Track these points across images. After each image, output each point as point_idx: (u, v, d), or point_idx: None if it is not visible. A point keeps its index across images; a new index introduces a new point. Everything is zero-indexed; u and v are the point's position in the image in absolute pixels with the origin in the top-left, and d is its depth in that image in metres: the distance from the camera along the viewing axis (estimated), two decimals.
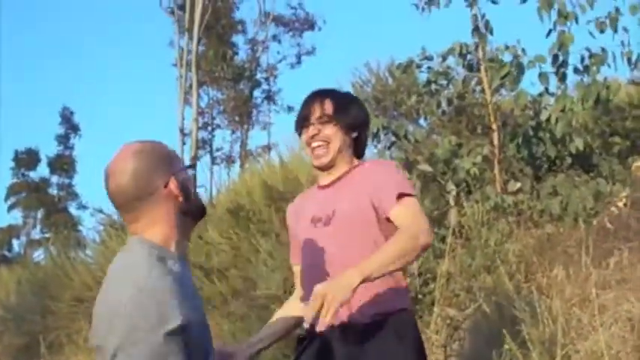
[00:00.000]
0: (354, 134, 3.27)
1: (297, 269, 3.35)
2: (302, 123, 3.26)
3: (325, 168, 3.25)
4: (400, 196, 3.05)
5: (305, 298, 3.08)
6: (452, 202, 6.57)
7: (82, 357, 8.74)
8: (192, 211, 2.40)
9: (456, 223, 6.45)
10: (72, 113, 43.49)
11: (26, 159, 43.97)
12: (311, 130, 3.21)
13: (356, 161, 3.30)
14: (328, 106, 3.22)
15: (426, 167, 6.97)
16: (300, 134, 3.30)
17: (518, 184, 6.70)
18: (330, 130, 3.20)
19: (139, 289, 2.11)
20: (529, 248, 5.96)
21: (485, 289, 5.55)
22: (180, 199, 2.32)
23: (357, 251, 2.99)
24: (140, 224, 2.29)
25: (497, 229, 6.28)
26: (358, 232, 3.10)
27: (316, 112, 3.22)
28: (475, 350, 4.99)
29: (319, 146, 3.21)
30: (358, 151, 3.33)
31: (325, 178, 3.28)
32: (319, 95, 3.28)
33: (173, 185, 2.30)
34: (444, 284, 6.00)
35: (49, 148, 59.42)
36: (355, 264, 2.75)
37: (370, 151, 9.35)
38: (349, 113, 3.26)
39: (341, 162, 3.25)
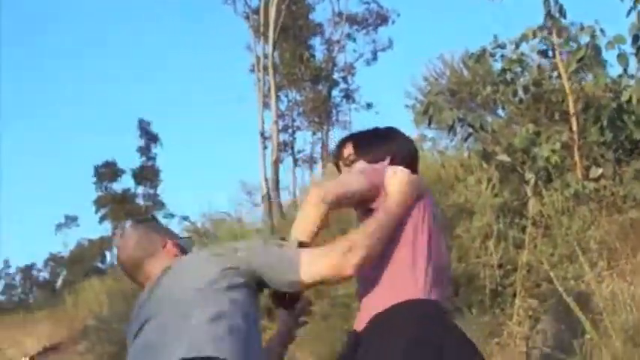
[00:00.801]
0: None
1: None
2: (335, 164, 3.36)
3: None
4: None
5: None
6: (531, 192, 6.43)
7: None
8: None
9: (536, 212, 6.31)
10: (149, 124, 44.22)
11: (106, 172, 44.87)
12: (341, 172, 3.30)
13: None
14: (353, 147, 3.23)
15: (504, 157, 6.85)
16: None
17: (600, 170, 6.52)
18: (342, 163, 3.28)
19: None
20: (612, 235, 5.79)
21: (567, 279, 5.42)
22: (178, 253, 2.91)
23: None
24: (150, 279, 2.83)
25: (579, 217, 6.13)
26: None
27: (344, 153, 3.26)
28: (557, 341, 4.87)
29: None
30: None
31: None
32: (347, 137, 3.35)
33: (170, 244, 2.91)
34: (525, 275, 5.88)
35: (129, 161, 60.56)
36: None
37: (447, 143, 9.27)
38: (371, 149, 3.20)
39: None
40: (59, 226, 48.94)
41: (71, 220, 48.99)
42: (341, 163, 3.26)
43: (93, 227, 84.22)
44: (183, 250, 2.94)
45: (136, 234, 2.93)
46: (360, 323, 2.85)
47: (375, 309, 2.82)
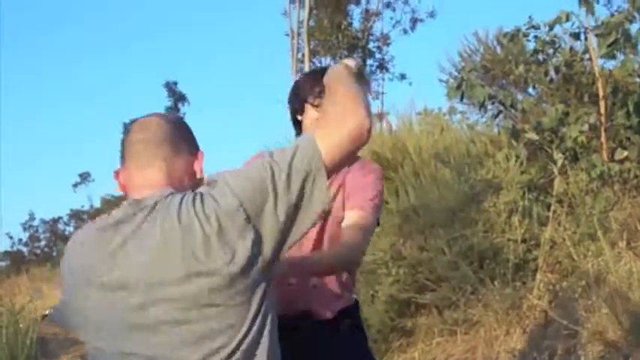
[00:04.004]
0: None
1: None
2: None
3: None
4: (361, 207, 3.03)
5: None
6: (557, 171, 6.60)
7: None
8: None
9: (561, 191, 6.49)
10: (175, 84, 44.17)
11: None
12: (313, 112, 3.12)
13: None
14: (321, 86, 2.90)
15: (532, 136, 7.02)
16: (302, 109, 3.19)
17: (626, 153, 6.67)
18: None
19: None
20: (633, 216, 5.97)
21: (587, 257, 5.60)
22: None
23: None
24: None
25: (603, 197, 6.30)
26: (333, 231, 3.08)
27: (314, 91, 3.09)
28: (574, 315, 5.07)
29: None
30: None
31: None
32: (311, 75, 3.21)
33: None
34: (548, 251, 6.08)
35: None
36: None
37: (478, 120, 9.41)
38: None
39: None
40: (75, 185, 49.08)
41: (85, 177, 49.03)
42: (309, 104, 3.11)
43: (113, 184, 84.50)
44: None
45: None
46: None
47: None
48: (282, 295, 2.41)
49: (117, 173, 2.28)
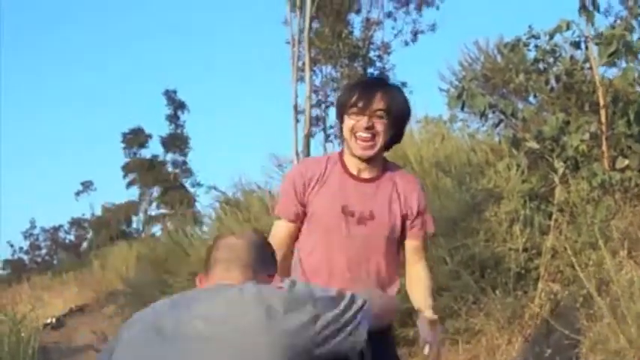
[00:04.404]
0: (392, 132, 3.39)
1: (285, 225, 3.53)
2: (356, 110, 3.33)
3: (366, 160, 3.40)
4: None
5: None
6: (558, 180, 6.60)
7: None
8: None
9: (562, 200, 6.49)
10: (175, 92, 44.17)
11: (134, 138, 44.92)
12: (366, 121, 3.30)
13: (384, 161, 3.51)
14: (386, 102, 3.31)
15: (533, 144, 7.03)
16: (342, 117, 3.41)
17: (627, 161, 6.68)
18: (382, 126, 3.33)
19: None
20: (634, 225, 5.98)
21: (589, 265, 5.61)
22: None
23: (376, 263, 3.44)
24: None
25: (604, 206, 6.30)
26: (385, 247, 3.43)
27: (375, 104, 3.31)
28: (576, 324, 5.08)
29: (368, 138, 3.33)
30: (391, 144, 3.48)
31: (358, 169, 3.43)
32: (379, 87, 3.37)
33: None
34: (549, 260, 6.09)
35: (158, 128, 60.58)
36: (369, 275, 3.38)
37: (478, 128, 9.43)
38: (401, 112, 3.40)
39: (379, 157, 3.43)
40: (78, 193, 49.04)
41: (87, 185, 49.02)
42: (369, 110, 3.31)
43: (114, 192, 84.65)
44: None
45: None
46: None
47: None
48: None
49: (200, 278, 2.65)
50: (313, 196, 3.43)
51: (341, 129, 3.46)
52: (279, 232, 3.51)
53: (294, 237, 3.54)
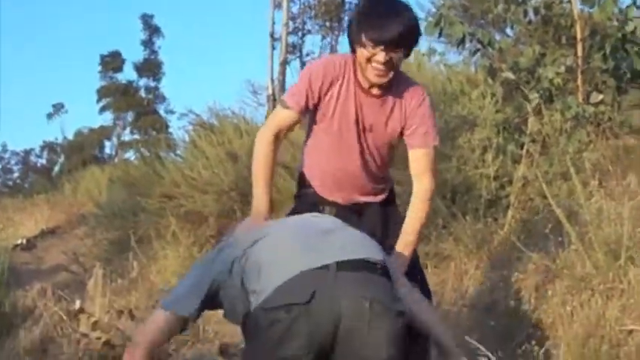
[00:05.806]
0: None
1: (290, 116, 3.55)
2: (372, 43, 3.29)
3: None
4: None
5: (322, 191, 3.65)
6: (532, 110, 6.62)
7: (169, 251, 9.01)
8: None
9: (535, 130, 6.53)
10: (151, 17, 43.72)
11: (111, 61, 44.48)
12: (383, 57, 3.29)
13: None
14: (403, 34, 3.30)
15: (509, 75, 7.04)
16: (357, 44, 3.37)
17: (601, 96, 6.73)
18: (398, 57, 3.35)
19: None
20: (606, 158, 6.04)
21: (559, 196, 5.67)
22: None
23: (375, 171, 3.66)
24: None
25: (576, 138, 6.35)
26: (383, 154, 3.64)
27: (391, 37, 3.27)
28: (545, 250, 5.15)
29: (383, 69, 3.34)
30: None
31: (370, 84, 3.45)
32: (395, 17, 3.31)
33: None
34: (520, 188, 6.15)
35: (133, 54, 59.85)
36: (368, 181, 3.64)
37: (455, 57, 9.43)
38: (416, 39, 3.43)
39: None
40: (49, 115, 48.47)
41: (58, 107, 48.42)
42: (387, 42, 3.27)
43: (85, 116, 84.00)
44: None
45: None
46: None
47: None
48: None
49: None
50: (327, 99, 3.48)
51: (353, 49, 3.44)
52: (283, 121, 3.56)
53: (290, 131, 3.64)
